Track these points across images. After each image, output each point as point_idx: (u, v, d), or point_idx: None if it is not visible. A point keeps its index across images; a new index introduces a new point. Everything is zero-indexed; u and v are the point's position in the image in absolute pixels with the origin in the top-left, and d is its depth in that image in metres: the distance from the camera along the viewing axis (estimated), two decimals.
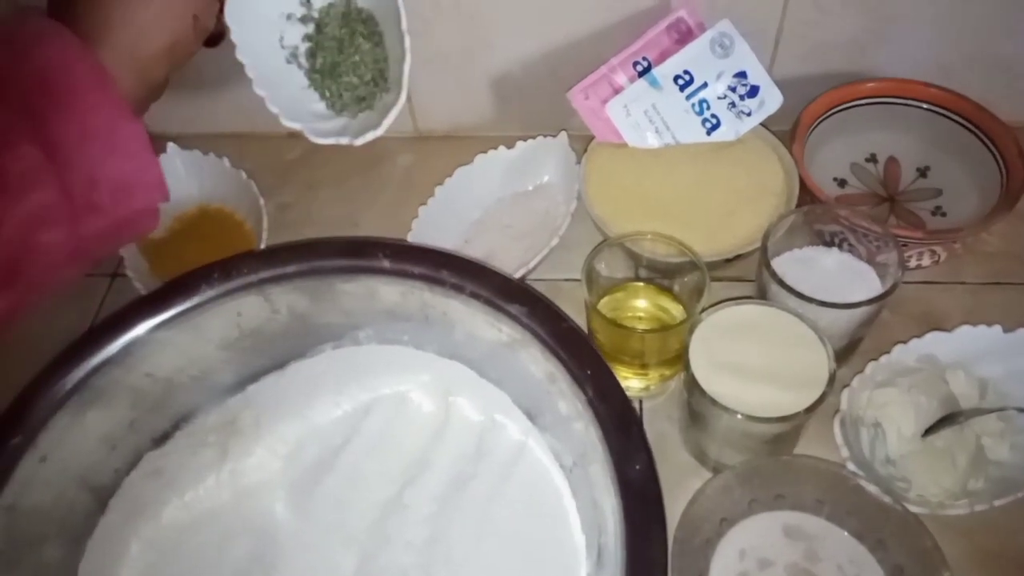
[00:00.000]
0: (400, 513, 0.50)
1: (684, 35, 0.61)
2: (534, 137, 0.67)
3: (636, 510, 0.41)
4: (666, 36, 0.60)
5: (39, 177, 0.36)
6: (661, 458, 0.55)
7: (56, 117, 0.37)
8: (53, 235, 0.38)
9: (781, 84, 0.68)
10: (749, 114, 0.60)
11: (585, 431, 0.45)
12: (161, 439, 0.52)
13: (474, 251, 0.64)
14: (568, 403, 0.46)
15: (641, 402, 0.58)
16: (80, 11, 0.40)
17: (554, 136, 0.66)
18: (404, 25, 0.47)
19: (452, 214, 0.66)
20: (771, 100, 0.60)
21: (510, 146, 0.67)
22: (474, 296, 0.49)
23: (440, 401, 0.55)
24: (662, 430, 0.57)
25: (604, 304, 0.58)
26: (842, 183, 0.66)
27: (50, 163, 0.36)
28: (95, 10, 0.40)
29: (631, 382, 0.58)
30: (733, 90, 0.60)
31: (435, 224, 0.64)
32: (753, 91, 0.60)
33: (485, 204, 0.67)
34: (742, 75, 0.59)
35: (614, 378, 0.45)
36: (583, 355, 0.46)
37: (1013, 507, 0.48)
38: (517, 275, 0.58)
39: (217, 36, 0.48)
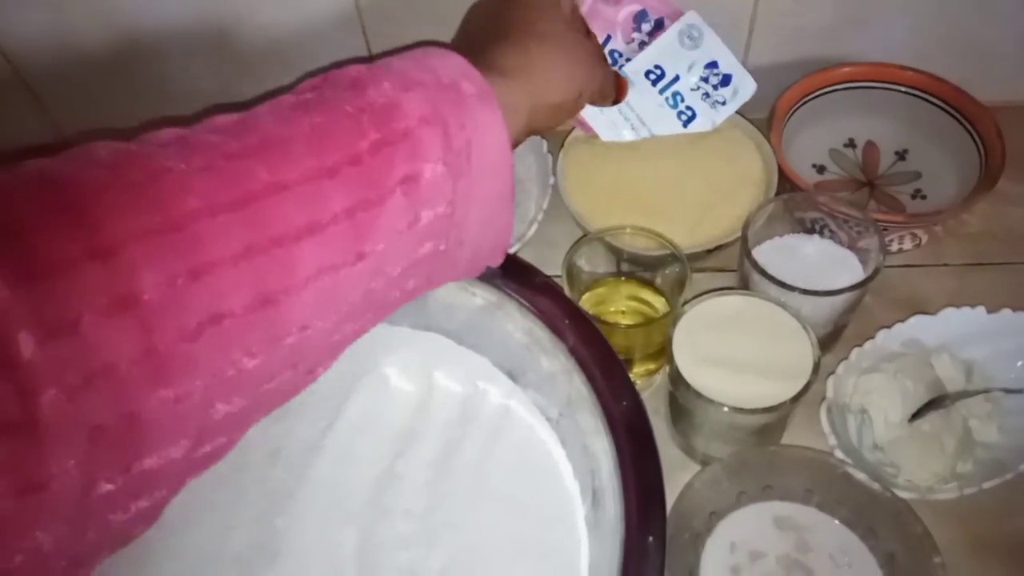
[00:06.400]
0: (395, 484, 0.50)
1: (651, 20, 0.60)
2: None
3: (628, 445, 0.43)
4: (632, 23, 0.60)
5: (438, 231, 0.38)
6: None
7: (468, 181, 0.38)
8: (415, 282, 0.40)
9: (757, 72, 0.68)
10: (724, 103, 0.60)
11: (569, 380, 0.46)
12: None
13: None
14: (549, 356, 0.48)
15: None
16: (504, 50, 0.44)
17: None
18: None
19: None
20: (744, 87, 0.60)
21: None
22: None
23: (421, 374, 0.55)
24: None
25: (586, 300, 0.58)
26: (821, 169, 0.65)
27: (451, 220, 0.38)
28: (518, 54, 0.44)
29: None
30: (706, 80, 0.59)
31: None
32: (726, 80, 0.59)
33: None
34: (713, 65, 0.59)
35: (593, 325, 0.47)
36: (560, 306, 0.47)
37: (1002, 489, 0.48)
38: None
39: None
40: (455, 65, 0.39)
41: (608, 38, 0.60)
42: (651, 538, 0.40)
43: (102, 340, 0.27)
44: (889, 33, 0.65)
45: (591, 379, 0.46)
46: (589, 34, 0.52)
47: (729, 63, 0.59)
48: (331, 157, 0.33)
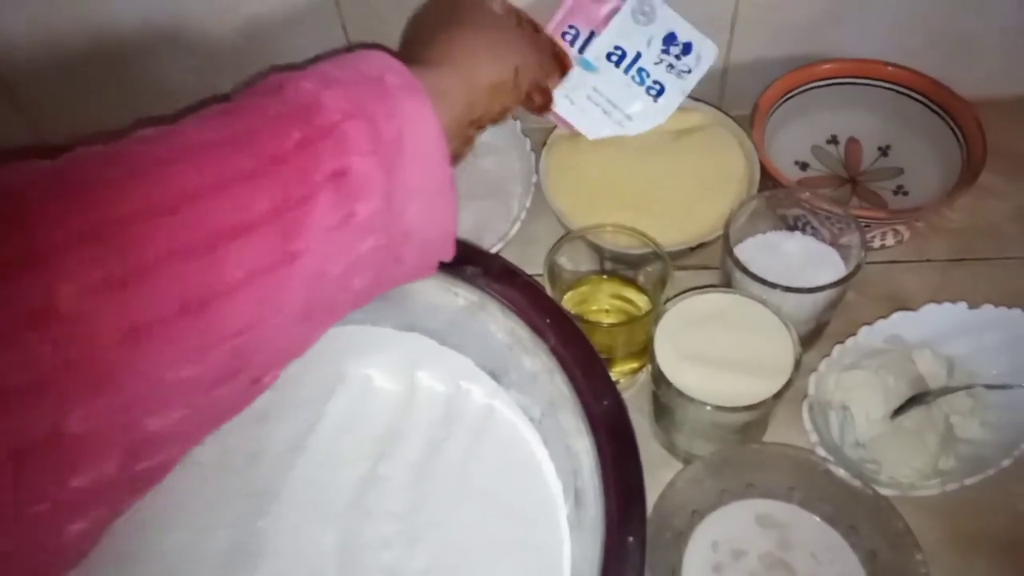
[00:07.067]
0: (378, 485, 0.50)
1: None
2: None
3: (608, 445, 0.43)
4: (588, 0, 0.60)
5: (376, 225, 0.37)
6: None
7: (403, 173, 0.38)
8: (363, 281, 0.38)
9: (740, 70, 0.68)
10: (689, 71, 0.60)
11: (551, 380, 0.46)
12: None
13: None
14: (531, 356, 0.48)
15: None
16: (429, 43, 0.45)
17: None
18: None
19: None
20: (707, 52, 0.60)
21: None
22: None
23: (404, 374, 0.55)
24: (632, 423, 0.56)
25: (569, 299, 0.58)
26: (804, 166, 0.65)
27: (388, 214, 0.37)
28: (442, 44, 0.45)
29: None
30: (667, 52, 0.60)
31: None
32: (687, 48, 0.60)
33: None
34: (671, 36, 0.59)
35: (574, 324, 0.47)
36: (541, 306, 0.47)
37: (984, 485, 0.48)
38: None
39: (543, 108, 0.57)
40: (378, 60, 0.39)
41: (592, 35, 0.60)
42: (631, 538, 0.40)
43: (21, 355, 0.27)
44: (871, 29, 0.65)
45: (572, 379, 0.46)
46: (537, 29, 0.54)
47: (687, 31, 0.59)
48: (255, 158, 0.33)
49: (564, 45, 0.60)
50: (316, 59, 0.39)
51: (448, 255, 0.44)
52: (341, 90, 0.36)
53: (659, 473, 0.51)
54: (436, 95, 0.39)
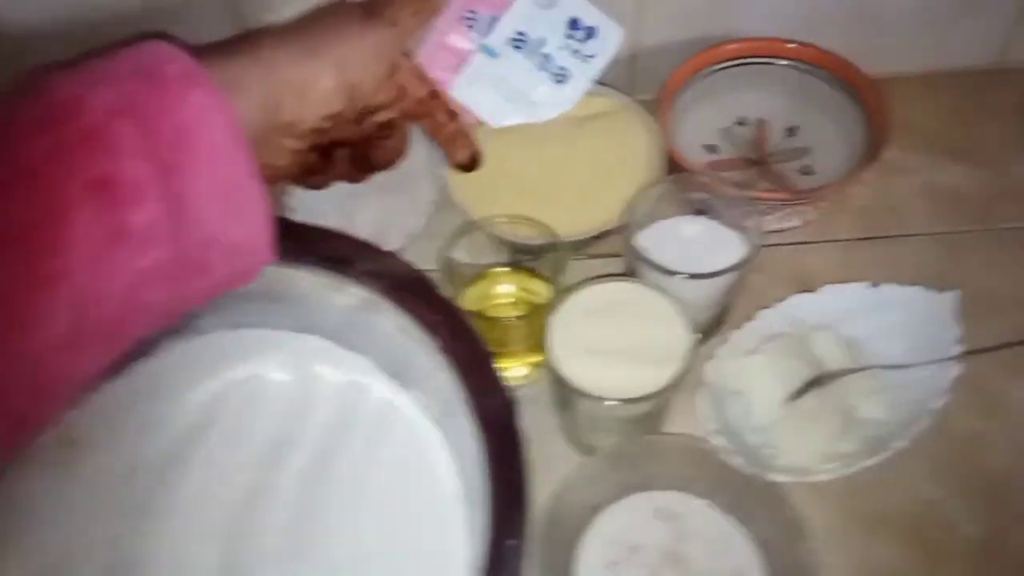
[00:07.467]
0: (264, 499, 0.48)
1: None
2: None
3: (494, 443, 0.41)
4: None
5: (158, 235, 0.33)
6: (537, 446, 0.54)
7: (188, 173, 0.34)
8: (157, 294, 0.35)
9: (649, 53, 0.67)
10: (595, 56, 0.59)
11: (445, 378, 0.45)
12: None
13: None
14: (426, 354, 0.46)
15: (518, 391, 0.57)
16: (239, 35, 0.40)
17: None
18: None
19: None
20: (611, 36, 0.58)
21: None
22: (316, 263, 0.48)
23: (299, 378, 0.53)
24: (538, 417, 0.55)
25: (472, 293, 0.56)
26: (713, 149, 0.64)
27: (172, 221, 0.34)
28: (249, 35, 0.40)
29: (511, 372, 0.56)
30: (571, 37, 0.58)
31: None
32: (591, 32, 0.58)
33: None
34: (575, 21, 0.58)
35: (465, 321, 0.45)
36: (432, 302, 0.46)
37: (884, 466, 0.48)
38: None
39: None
40: (158, 49, 0.35)
41: (493, 20, 0.59)
42: (510, 541, 0.39)
43: None
44: (777, 7, 0.64)
45: (462, 376, 0.44)
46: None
47: (590, 15, 0.58)
48: None
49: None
50: (88, 53, 0.35)
51: (268, 258, 0.40)
52: (108, 86, 0.33)
53: (563, 468, 0.50)
54: (228, 85, 0.36)
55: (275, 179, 0.43)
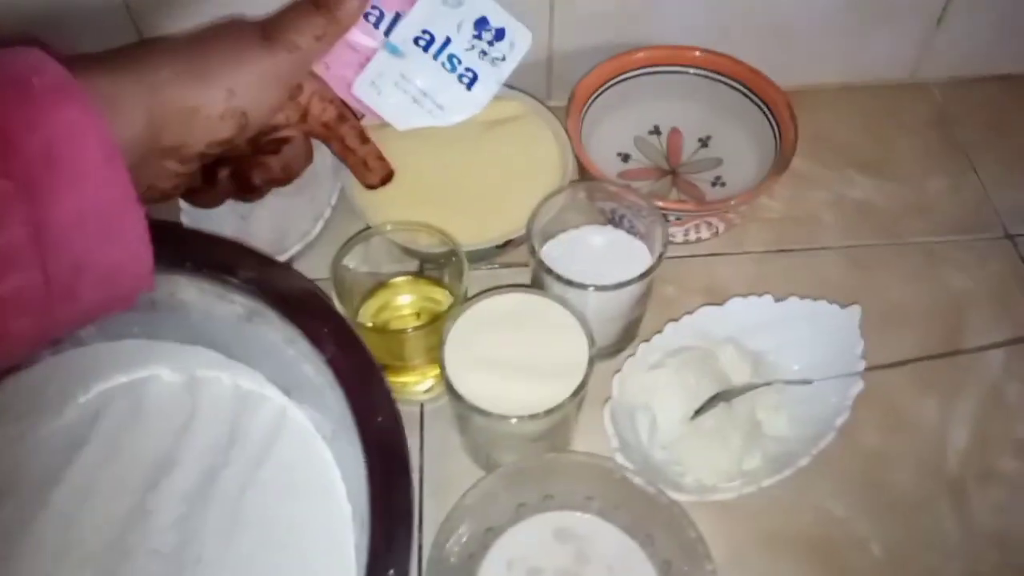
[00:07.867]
0: (143, 522, 0.45)
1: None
2: None
3: (378, 464, 0.40)
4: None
5: (22, 260, 0.31)
6: (441, 463, 0.52)
7: (56, 195, 0.31)
8: (22, 322, 0.32)
9: (562, 59, 0.65)
10: (503, 59, 0.57)
11: (333, 394, 0.43)
12: None
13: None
14: (315, 368, 0.44)
15: (422, 406, 0.54)
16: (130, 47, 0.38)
17: None
18: None
19: None
20: (521, 39, 0.56)
21: None
22: (198, 269, 0.45)
23: (184, 392, 0.50)
24: (443, 433, 0.53)
25: (370, 305, 0.54)
26: (626, 158, 0.63)
27: (37, 245, 0.31)
28: (133, 48, 0.38)
29: (415, 386, 0.54)
30: (479, 38, 0.56)
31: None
32: (500, 34, 0.56)
33: None
34: (483, 21, 0.55)
35: (353, 334, 0.43)
36: (319, 314, 0.44)
37: (789, 483, 0.47)
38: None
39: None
40: (28, 59, 0.33)
41: (397, 16, 0.56)
42: (392, 570, 0.36)
43: None
44: (693, 17, 0.63)
45: (348, 392, 0.42)
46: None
47: (499, 16, 0.56)
48: None
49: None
50: None
51: (146, 284, 0.37)
52: None
53: (467, 487, 0.47)
54: (106, 103, 0.33)
55: (157, 201, 0.41)
